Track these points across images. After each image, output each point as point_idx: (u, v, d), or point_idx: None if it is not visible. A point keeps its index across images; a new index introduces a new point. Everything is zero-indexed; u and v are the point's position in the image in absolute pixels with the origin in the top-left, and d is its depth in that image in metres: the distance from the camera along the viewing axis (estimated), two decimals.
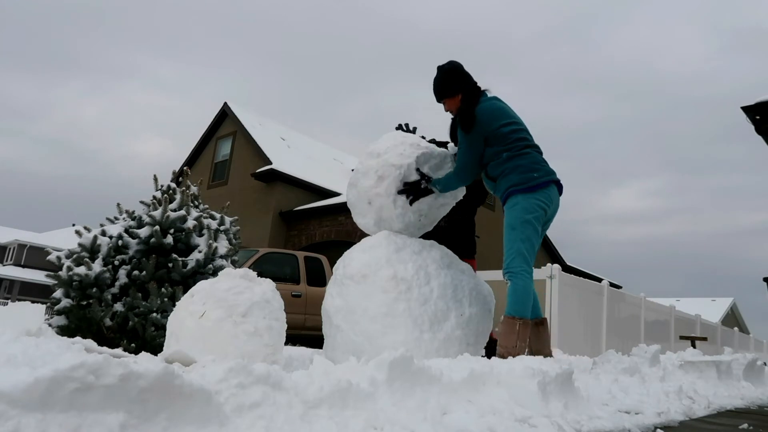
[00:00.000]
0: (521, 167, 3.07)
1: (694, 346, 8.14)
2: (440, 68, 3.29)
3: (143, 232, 4.23)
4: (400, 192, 3.29)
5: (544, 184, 3.07)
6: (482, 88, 3.26)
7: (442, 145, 3.65)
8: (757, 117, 7.47)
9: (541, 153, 3.22)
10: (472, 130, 3.12)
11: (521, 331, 2.92)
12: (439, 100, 3.35)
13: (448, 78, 3.26)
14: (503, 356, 2.81)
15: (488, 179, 3.30)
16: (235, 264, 4.54)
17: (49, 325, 3.89)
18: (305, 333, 7.62)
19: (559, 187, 3.20)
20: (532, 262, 3.04)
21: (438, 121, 3.60)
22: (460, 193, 3.57)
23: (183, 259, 4.20)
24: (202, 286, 2.48)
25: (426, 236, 3.56)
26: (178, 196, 4.53)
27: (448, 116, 3.45)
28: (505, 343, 2.94)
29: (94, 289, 3.99)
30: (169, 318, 2.54)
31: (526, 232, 3.02)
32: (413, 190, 3.29)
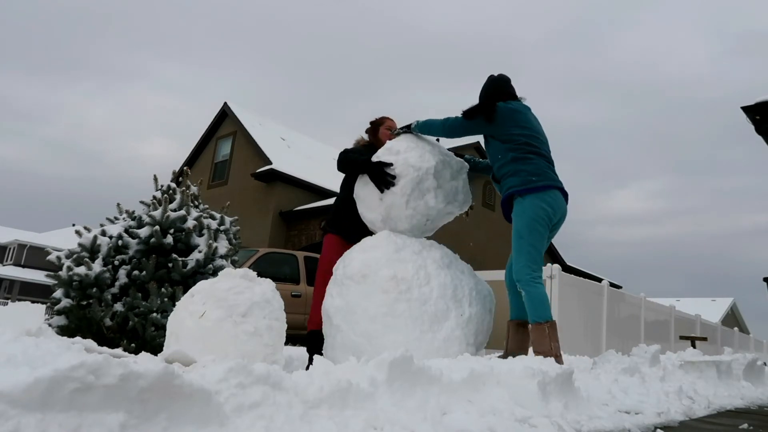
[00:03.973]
0: (523, 171, 3.17)
1: (694, 346, 8.14)
2: (489, 76, 3.50)
3: (143, 232, 4.23)
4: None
5: (544, 188, 3.16)
6: (519, 96, 3.46)
7: (460, 155, 3.67)
8: (757, 117, 7.47)
9: (549, 162, 3.31)
10: (492, 120, 3.25)
11: (551, 332, 3.04)
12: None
13: (487, 86, 3.46)
14: None
15: (495, 181, 3.42)
16: (235, 264, 4.54)
17: (49, 325, 3.89)
18: (305, 333, 7.61)
19: (564, 194, 3.29)
20: (540, 266, 3.16)
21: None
22: (466, 205, 3.60)
23: (183, 259, 4.20)
24: (202, 286, 2.48)
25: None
26: (178, 196, 4.53)
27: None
28: (541, 349, 3.01)
29: (94, 289, 3.98)
30: (169, 318, 2.53)
31: (532, 239, 3.13)
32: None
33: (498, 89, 3.43)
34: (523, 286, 3.10)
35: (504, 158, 3.24)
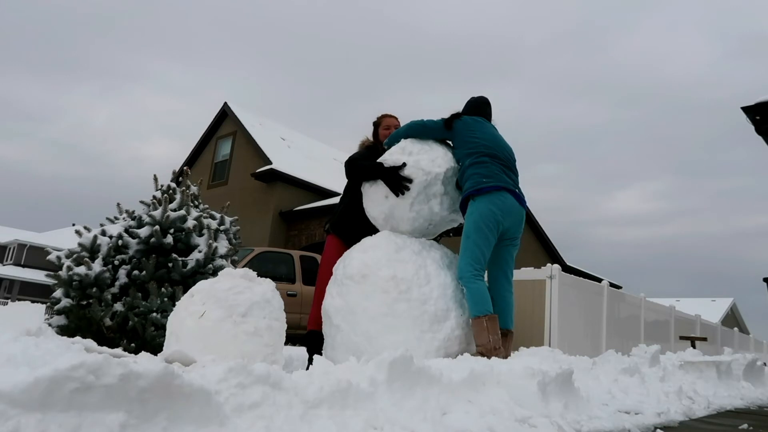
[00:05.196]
0: (477, 174, 3.29)
1: (694, 346, 8.14)
2: (470, 98, 3.74)
3: (143, 231, 4.23)
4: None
5: (494, 188, 3.25)
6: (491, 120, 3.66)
7: None
8: (757, 117, 7.47)
9: (507, 167, 3.39)
10: (451, 127, 3.43)
11: (489, 325, 3.10)
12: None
13: (467, 104, 3.70)
14: (483, 354, 2.96)
15: (458, 189, 3.49)
16: (235, 264, 4.54)
17: (49, 325, 3.89)
18: (300, 332, 7.60)
19: (517, 197, 3.35)
20: (482, 265, 3.24)
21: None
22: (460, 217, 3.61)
23: (183, 259, 4.20)
24: (202, 286, 2.48)
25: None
26: (178, 196, 4.53)
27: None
28: (480, 342, 3.08)
29: (94, 289, 3.98)
30: (169, 318, 2.53)
31: (477, 239, 3.22)
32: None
33: (474, 110, 3.61)
34: (465, 282, 3.19)
35: (463, 165, 3.37)
